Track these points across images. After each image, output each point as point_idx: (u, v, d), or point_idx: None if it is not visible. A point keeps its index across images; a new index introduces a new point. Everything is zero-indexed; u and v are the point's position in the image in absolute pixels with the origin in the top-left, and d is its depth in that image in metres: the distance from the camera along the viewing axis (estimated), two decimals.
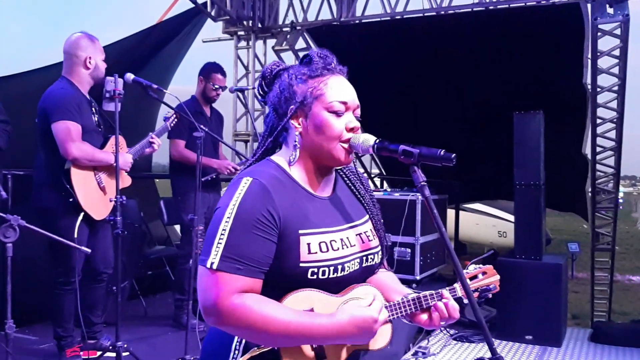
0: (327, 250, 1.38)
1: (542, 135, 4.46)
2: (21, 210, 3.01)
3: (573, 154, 5.68)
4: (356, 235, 1.47)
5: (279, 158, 1.47)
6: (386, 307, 1.42)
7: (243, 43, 6.85)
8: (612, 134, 5.11)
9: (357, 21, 6.08)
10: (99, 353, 3.34)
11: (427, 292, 1.46)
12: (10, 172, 4.04)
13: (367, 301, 1.38)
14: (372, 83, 5.32)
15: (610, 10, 4.68)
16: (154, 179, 6.99)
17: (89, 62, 3.36)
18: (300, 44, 6.35)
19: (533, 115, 4.48)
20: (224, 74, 4.38)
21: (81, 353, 3.42)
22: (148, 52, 5.73)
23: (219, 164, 4.29)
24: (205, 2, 6.10)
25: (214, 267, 1.28)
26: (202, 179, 3.59)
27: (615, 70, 4.84)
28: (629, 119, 5.34)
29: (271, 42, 6.68)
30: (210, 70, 4.31)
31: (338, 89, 1.43)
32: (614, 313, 5.75)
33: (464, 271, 1.51)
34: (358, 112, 1.47)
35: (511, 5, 5.27)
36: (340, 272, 1.39)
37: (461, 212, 7.23)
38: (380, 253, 1.54)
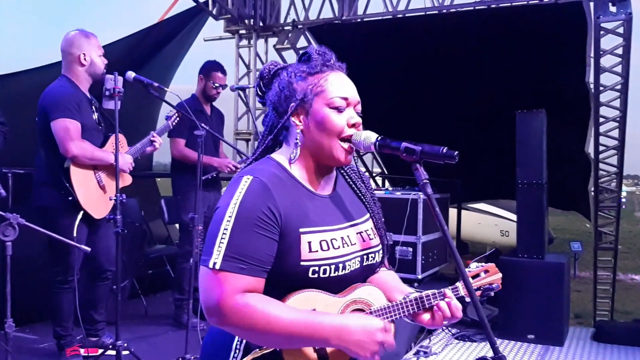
0: (328, 248, 1.37)
1: (544, 134, 4.44)
2: (21, 209, 3.01)
3: (576, 153, 5.66)
4: (357, 233, 1.46)
5: (280, 156, 1.45)
6: (388, 307, 1.41)
7: (244, 42, 6.85)
8: (615, 133, 5.10)
9: (358, 20, 6.08)
10: (100, 351, 3.33)
11: (430, 292, 1.44)
12: (11, 170, 4.03)
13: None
14: (374, 82, 5.31)
15: (613, 9, 4.66)
16: (155, 178, 6.99)
17: (84, 59, 3.35)
18: (301, 42, 6.35)
19: (536, 114, 4.46)
20: (224, 72, 4.37)
21: (82, 350, 3.42)
22: (149, 51, 5.71)
23: (220, 163, 4.28)
24: (207, 1, 6.11)
25: (217, 267, 1.27)
26: (203, 178, 3.57)
27: (618, 68, 4.82)
28: (632, 118, 5.33)
29: (272, 40, 6.68)
30: (210, 69, 4.30)
31: (338, 85, 1.41)
32: (616, 312, 5.74)
33: (466, 270, 1.49)
34: (359, 107, 1.46)
35: (513, 4, 5.25)
36: (341, 271, 1.38)
37: (463, 211, 7.21)
38: (381, 252, 1.53)
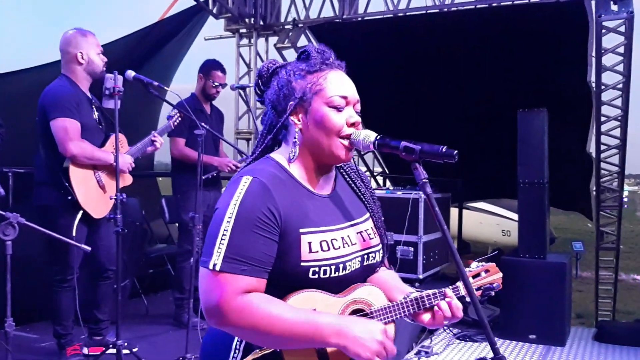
0: (328, 249, 1.36)
1: (546, 133, 4.43)
2: (22, 208, 3.01)
3: (577, 152, 5.65)
4: (357, 233, 1.46)
5: (279, 156, 1.44)
6: (389, 307, 1.41)
7: (245, 41, 6.84)
8: (617, 132, 5.08)
9: (359, 18, 6.07)
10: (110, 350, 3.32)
11: (430, 291, 1.44)
12: (11, 170, 4.03)
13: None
14: (374, 81, 5.29)
15: (614, 7, 4.64)
16: (155, 177, 6.99)
17: (81, 58, 3.34)
18: (302, 41, 6.34)
19: (537, 113, 4.44)
20: (223, 71, 4.36)
21: (86, 349, 3.42)
22: (149, 50, 5.71)
23: (220, 162, 4.28)
24: (207, 0, 6.09)
25: (217, 268, 1.26)
26: (203, 177, 3.57)
27: (620, 67, 4.81)
28: (634, 117, 5.32)
29: (273, 39, 6.67)
30: (209, 68, 4.29)
31: (338, 84, 1.40)
32: (618, 312, 5.73)
33: (467, 269, 1.49)
34: (358, 107, 1.45)
35: (514, 2, 5.24)
36: (342, 271, 1.37)
37: (464, 211, 7.18)
38: (381, 251, 1.52)
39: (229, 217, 1.29)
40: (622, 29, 4.67)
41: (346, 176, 1.57)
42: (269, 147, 1.48)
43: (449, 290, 1.44)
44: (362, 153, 7.67)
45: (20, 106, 4.23)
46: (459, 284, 1.44)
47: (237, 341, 1.36)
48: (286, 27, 6.50)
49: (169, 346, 3.73)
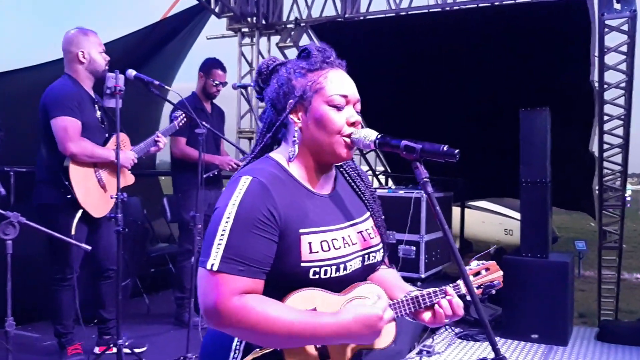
0: (329, 249, 1.35)
1: (548, 132, 4.42)
2: (23, 207, 3.00)
3: (580, 151, 5.64)
4: (357, 233, 1.45)
5: (278, 155, 1.43)
6: (390, 306, 1.40)
7: (247, 40, 6.83)
8: (620, 131, 5.07)
9: (361, 17, 6.06)
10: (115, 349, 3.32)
11: (431, 289, 1.43)
12: (13, 169, 4.03)
13: (371, 300, 1.36)
14: (376, 80, 5.29)
15: (617, 6, 4.62)
16: (157, 177, 6.98)
17: (83, 57, 3.34)
18: (304, 40, 6.32)
19: (539, 112, 4.44)
20: (224, 69, 4.36)
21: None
22: (151, 49, 5.71)
23: (221, 161, 4.27)
24: None
25: (215, 268, 1.25)
26: (204, 176, 3.56)
27: (623, 66, 4.79)
28: (637, 116, 5.30)
29: (275, 38, 6.66)
30: (210, 66, 4.28)
31: (338, 83, 1.39)
32: (621, 312, 5.71)
33: (467, 268, 1.48)
34: (358, 106, 1.44)
35: (517, 1, 5.22)
36: (343, 271, 1.37)
37: (467, 210, 7.18)
38: (381, 251, 1.51)
39: (228, 217, 1.28)
40: (625, 27, 4.65)
41: (346, 175, 1.56)
42: (268, 146, 1.47)
43: (449, 288, 1.43)
44: (365, 152, 7.66)
45: (20, 105, 4.23)
46: (460, 282, 1.44)
47: (237, 342, 1.35)
48: (288, 26, 6.49)
49: (170, 345, 3.72)
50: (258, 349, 1.32)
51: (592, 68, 4.83)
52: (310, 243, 1.33)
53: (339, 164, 1.51)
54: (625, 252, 6.47)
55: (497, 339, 1.34)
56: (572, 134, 5.46)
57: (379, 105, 5.78)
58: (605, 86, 4.86)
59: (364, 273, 1.46)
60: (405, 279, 1.59)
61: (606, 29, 4.65)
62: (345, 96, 1.39)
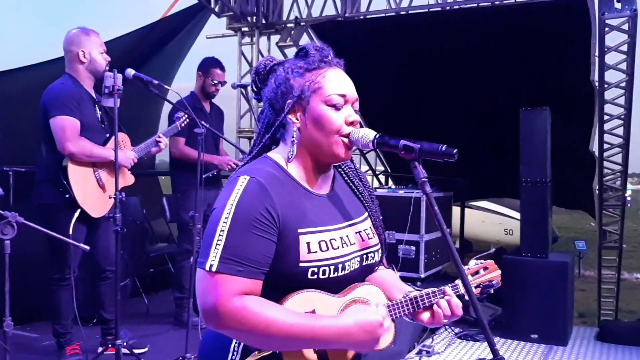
0: (327, 249, 1.34)
1: (548, 132, 4.41)
2: (23, 207, 3.00)
3: (580, 151, 5.63)
4: (355, 233, 1.44)
5: (277, 155, 1.43)
6: (388, 306, 1.39)
7: (247, 39, 6.82)
8: (620, 131, 5.07)
9: (361, 17, 6.05)
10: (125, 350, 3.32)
11: (430, 290, 1.43)
12: (12, 168, 4.02)
13: (372, 305, 1.35)
14: (376, 79, 5.29)
15: (617, 5, 4.62)
16: (157, 177, 6.98)
17: (83, 57, 3.33)
18: (304, 40, 6.32)
19: (539, 112, 4.43)
20: (222, 68, 4.35)
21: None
22: (151, 49, 5.70)
23: (220, 161, 4.27)
24: None
25: (213, 269, 1.24)
26: (204, 176, 3.55)
27: (623, 66, 4.79)
28: (637, 116, 5.29)
29: (275, 38, 6.65)
30: (208, 65, 4.27)
31: (336, 82, 1.38)
32: (620, 312, 5.71)
33: (465, 267, 1.47)
34: (357, 105, 1.43)
35: (517, 1, 5.22)
36: (341, 272, 1.36)
37: (467, 210, 7.17)
38: (380, 251, 1.51)
39: (226, 218, 1.27)
40: (626, 27, 4.65)
41: (344, 175, 1.55)
42: (267, 146, 1.46)
43: (448, 289, 1.42)
44: (365, 152, 7.65)
45: (20, 105, 4.22)
46: (458, 282, 1.43)
47: (236, 343, 1.34)
48: (288, 25, 6.48)
49: (169, 345, 3.72)
50: (257, 352, 1.31)
51: (592, 67, 4.82)
52: (308, 243, 1.32)
53: (337, 164, 1.50)
54: (625, 252, 6.47)
55: (496, 339, 1.33)
56: (572, 134, 5.46)
57: (379, 105, 5.78)
58: (606, 86, 4.86)
59: (363, 273, 1.45)
60: (405, 279, 1.58)
61: (606, 29, 4.65)
62: (343, 95, 1.38)
